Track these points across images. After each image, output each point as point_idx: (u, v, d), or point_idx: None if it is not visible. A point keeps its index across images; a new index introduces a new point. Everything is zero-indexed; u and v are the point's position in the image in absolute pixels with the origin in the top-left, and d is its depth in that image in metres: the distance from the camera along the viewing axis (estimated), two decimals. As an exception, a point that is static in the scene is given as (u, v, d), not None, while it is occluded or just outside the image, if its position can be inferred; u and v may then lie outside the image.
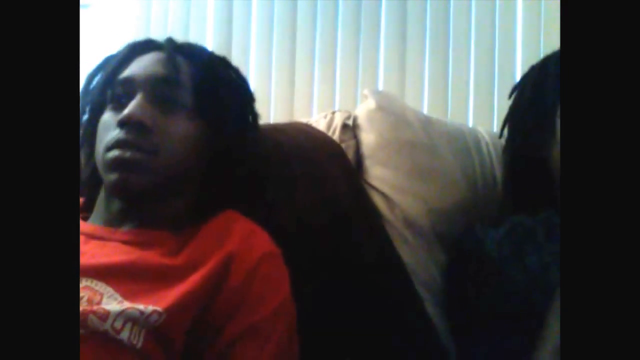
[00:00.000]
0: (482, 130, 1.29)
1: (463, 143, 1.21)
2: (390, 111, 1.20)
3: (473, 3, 1.77)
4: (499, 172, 1.20)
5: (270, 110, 1.71)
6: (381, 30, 1.77)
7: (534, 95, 1.03)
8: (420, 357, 0.99)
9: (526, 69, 1.11)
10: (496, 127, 1.73)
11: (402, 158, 1.14)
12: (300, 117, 1.48)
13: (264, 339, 0.84)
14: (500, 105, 1.75)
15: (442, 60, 1.78)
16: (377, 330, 1.00)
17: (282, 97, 1.73)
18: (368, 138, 1.17)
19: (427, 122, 1.22)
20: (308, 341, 0.89)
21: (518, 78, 1.70)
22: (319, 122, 1.24)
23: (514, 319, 0.86)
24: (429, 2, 1.77)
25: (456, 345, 0.97)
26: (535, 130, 1.00)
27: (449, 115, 1.76)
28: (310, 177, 1.08)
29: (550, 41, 1.72)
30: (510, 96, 1.10)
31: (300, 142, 1.13)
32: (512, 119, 1.09)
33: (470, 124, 1.69)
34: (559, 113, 0.95)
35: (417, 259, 1.07)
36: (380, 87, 1.76)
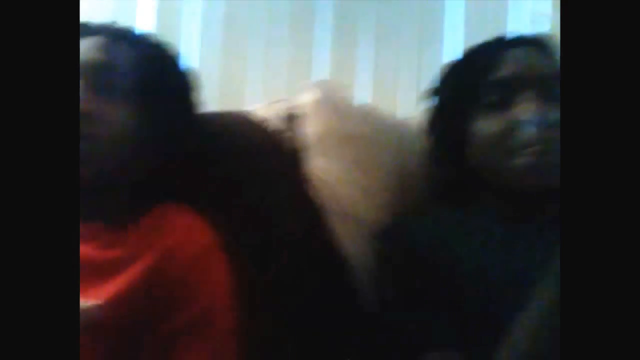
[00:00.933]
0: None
1: (407, 135, 1.22)
2: (334, 102, 1.21)
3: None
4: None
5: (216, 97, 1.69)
6: (329, 20, 1.76)
7: (443, 101, 1.09)
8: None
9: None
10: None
11: (343, 149, 1.15)
12: (247, 106, 1.46)
13: (202, 332, 0.83)
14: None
15: (393, 51, 1.78)
16: (328, 324, 1.01)
17: (230, 86, 1.71)
18: (311, 128, 1.17)
19: (370, 113, 1.23)
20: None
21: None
22: (262, 110, 1.23)
23: (442, 307, 0.89)
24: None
25: (390, 331, 0.98)
26: (451, 135, 1.04)
27: (398, 107, 1.76)
28: (250, 167, 1.07)
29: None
30: (424, 101, 1.13)
31: (239, 131, 1.12)
32: (430, 122, 1.11)
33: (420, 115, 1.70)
34: (471, 115, 0.99)
35: (357, 249, 1.08)
36: (329, 77, 1.75)
